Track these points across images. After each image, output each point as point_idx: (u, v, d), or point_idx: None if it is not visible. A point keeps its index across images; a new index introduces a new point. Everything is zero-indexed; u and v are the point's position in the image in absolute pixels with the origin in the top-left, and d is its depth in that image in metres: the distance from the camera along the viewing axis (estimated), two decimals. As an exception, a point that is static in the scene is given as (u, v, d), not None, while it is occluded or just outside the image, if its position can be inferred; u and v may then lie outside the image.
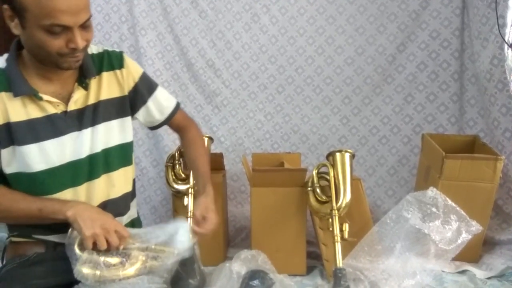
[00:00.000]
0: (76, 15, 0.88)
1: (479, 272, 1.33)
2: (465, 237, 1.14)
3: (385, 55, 1.82)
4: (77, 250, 0.94)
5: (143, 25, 1.92)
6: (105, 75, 1.06)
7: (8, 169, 0.97)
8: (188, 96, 1.96)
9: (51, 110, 0.98)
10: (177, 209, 1.46)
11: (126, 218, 1.13)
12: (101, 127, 1.04)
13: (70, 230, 0.96)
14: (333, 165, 1.29)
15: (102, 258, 0.95)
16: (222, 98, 1.93)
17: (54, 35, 0.88)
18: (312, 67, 1.88)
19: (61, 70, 0.97)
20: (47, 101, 0.97)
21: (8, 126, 0.95)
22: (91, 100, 1.03)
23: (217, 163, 1.61)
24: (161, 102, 1.16)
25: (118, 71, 1.07)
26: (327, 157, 1.33)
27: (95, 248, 0.93)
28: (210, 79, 1.93)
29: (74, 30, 0.89)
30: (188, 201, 1.32)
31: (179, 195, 1.39)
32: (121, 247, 0.96)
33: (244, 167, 1.57)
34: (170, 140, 1.91)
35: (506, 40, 1.52)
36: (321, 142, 1.88)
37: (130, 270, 0.97)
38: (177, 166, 1.40)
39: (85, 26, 0.92)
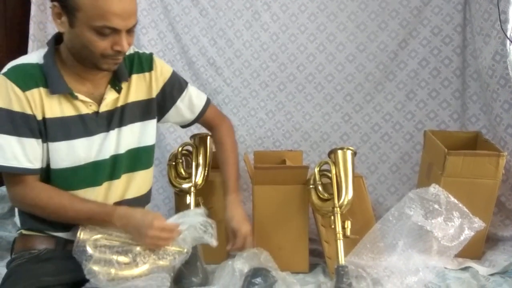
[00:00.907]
0: (127, 19, 0.92)
1: (482, 269, 1.33)
2: (467, 233, 1.14)
3: (386, 51, 1.82)
4: (89, 249, 0.95)
5: (144, 23, 1.92)
6: (135, 77, 1.09)
7: (57, 164, 1.00)
8: (189, 95, 1.96)
9: (84, 110, 1.01)
10: (179, 208, 1.46)
11: None
12: (127, 129, 1.07)
13: (78, 232, 0.97)
14: (335, 163, 1.28)
15: (115, 257, 0.96)
16: (223, 96, 1.92)
17: (102, 36, 0.91)
18: (313, 65, 1.88)
19: (97, 71, 1.00)
20: (81, 100, 1.00)
21: (44, 121, 0.97)
22: (120, 102, 1.06)
23: (219, 161, 1.61)
24: (191, 101, 1.18)
25: (147, 74, 1.11)
26: (329, 154, 1.33)
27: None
28: (211, 77, 1.93)
29: (121, 33, 0.93)
30: (191, 199, 1.32)
31: (181, 194, 1.39)
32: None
33: (246, 165, 1.57)
34: (172, 139, 1.91)
35: (508, 35, 1.51)
36: (323, 139, 1.88)
37: (143, 268, 0.98)
38: (179, 164, 1.40)
39: (131, 31, 0.96)
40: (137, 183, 1.11)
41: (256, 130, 1.92)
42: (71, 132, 1.00)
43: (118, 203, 1.07)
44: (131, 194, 1.10)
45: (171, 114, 1.18)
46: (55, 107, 0.98)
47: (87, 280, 0.98)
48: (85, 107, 1.02)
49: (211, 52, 1.92)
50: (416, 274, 1.14)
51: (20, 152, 0.94)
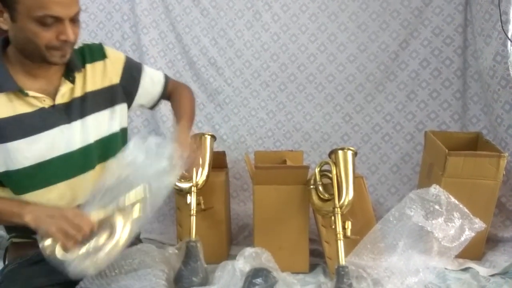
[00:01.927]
0: (68, 7, 0.90)
1: (482, 270, 1.33)
2: (468, 234, 1.14)
3: (387, 52, 1.82)
4: (60, 256, 0.90)
5: (145, 23, 1.92)
6: (89, 67, 1.06)
7: None
8: (190, 94, 1.96)
9: (39, 105, 0.98)
10: (180, 207, 1.46)
11: None
12: (91, 118, 1.04)
13: (41, 244, 0.92)
14: (336, 163, 1.28)
15: (87, 246, 0.91)
16: (224, 96, 1.93)
17: (45, 27, 0.89)
18: (314, 65, 1.88)
19: (47, 66, 0.98)
20: (33, 96, 0.97)
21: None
22: (77, 93, 1.03)
23: (219, 161, 1.61)
24: (152, 77, 1.19)
25: (101, 62, 1.08)
26: (330, 155, 1.33)
27: (69, 242, 0.90)
28: (212, 77, 1.93)
29: (65, 22, 0.90)
30: (191, 199, 1.32)
31: (181, 193, 1.39)
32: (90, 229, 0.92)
33: (247, 165, 1.57)
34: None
35: (510, 36, 1.51)
36: (323, 139, 1.88)
37: (123, 235, 0.92)
38: (180, 164, 1.40)
39: (75, 20, 0.93)
40: None
41: (257, 130, 1.92)
42: (28, 128, 0.96)
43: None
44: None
45: (140, 95, 1.16)
46: (5, 106, 0.95)
47: (80, 279, 0.98)
48: (39, 102, 0.98)
49: (212, 52, 1.92)
50: (416, 274, 1.14)
51: None
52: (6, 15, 0.89)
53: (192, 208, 1.31)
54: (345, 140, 1.86)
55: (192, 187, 1.34)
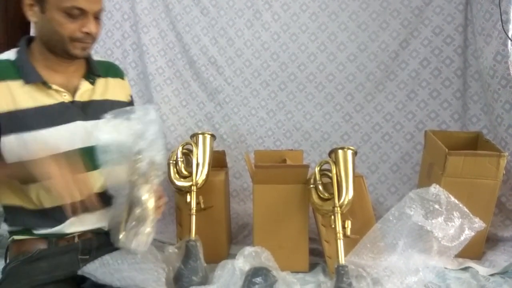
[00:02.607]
0: (93, 2, 0.99)
1: (482, 269, 1.33)
2: (468, 234, 1.14)
3: (388, 51, 1.82)
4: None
5: (145, 22, 1.92)
6: (111, 80, 1.16)
7: (11, 159, 0.99)
8: (190, 94, 1.96)
9: (59, 98, 1.03)
10: (179, 206, 1.46)
11: None
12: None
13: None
14: (336, 162, 1.28)
15: (126, 227, 0.98)
16: (225, 95, 1.93)
17: (70, 18, 0.97)
18: (315, 64, 1.88)
19: (68, 62, 1.05)
20: (55, 90, 1.02)
21: (15, 114, 0.98)
22: (97, 96, 1.10)
23: (219, 160, 1.61)
24: None
25: (121, 80, 1.20)
26: (330, 154, 1.33)
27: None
28: (212, 76, 1.93)
29: (89, 16, 0.99)
30: (191, 198, 1.32)
31: (181, 193, 1.39)
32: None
33: (247, 164, 1.57)
34: (173, 138, 1.92)
35: (510, 36, 1.51)
36: (323, 139, 1.88)
37: (150, 205, 1.00)
38: (180, 163, 1.40)
39: (98, 17, 1.03)
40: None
41: (257, 129, 1.92)
42: (48, 119, 1.01)
43: (100, 194, 1.06)
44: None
45: None
46: (29, 98, 1.00)
47: (82, 276, 0.99)
48: (59, 96, 1.03)
49: (212, 51, 1.92)
50: (416, 274, 1.14)
51: None
52: (36, 8, 0.98)
53: (192, 207, 1.31)
54: (345, 140, 1.86)
55: (192, 186, 1.34)
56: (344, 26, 1.85)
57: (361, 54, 1.84)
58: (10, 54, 1.03)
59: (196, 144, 1.42)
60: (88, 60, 1.12)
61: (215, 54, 1.92)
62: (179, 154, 1.41)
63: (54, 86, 1.02)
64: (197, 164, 1.38)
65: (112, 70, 1.17)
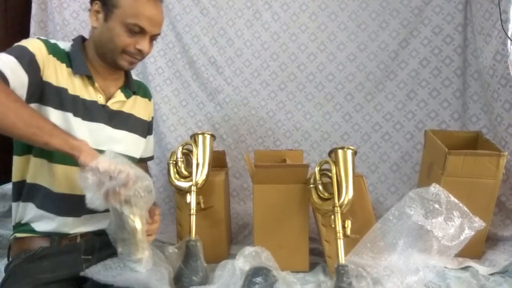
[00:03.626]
0: (155, 26, 1.07)
1: (482, 268, 1.33)
2: (468, 233, 1.14)
3: (387, 51, 1.82)
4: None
5: (145, 22, 1.92)
6: (140, 99, 1.23)
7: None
8: (190, 94, 1.96)
9: (94, 98, 1.08)
10: (179, 207, 1.46)
11: None
12: (127, 134, 1.15)
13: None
14: (335, 162, 1.28)
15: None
16: (224, 95, 1.93)
17: (130, 34, 1.04)
18: (314, 64, 1.88)
19: (112, 71, 1.12)
20: (96, 88, 1.09)
21: (56, 88, 1.02)
22: (126, 109, 1.17)
23: (219, 160, 1.62)
24: (149, 143, 1.31)
25: (147, 100, 1.27)
26: (329, 154, 1.33)
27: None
28: (212, 76, 1.93)
29: (146, 36, 1.06)
30: (191, 198, 1.32)
31: (181, 193, 1.39)
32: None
33: (247, 164, 1.57)
34: (173, 138, 1.92)
35: (509, 35, 1.51)
36: (323, 139, 1.88)
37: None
38: (180, 163, 1.40)
39: (153, 39, 1.10)
40: None
41: (257, 129, 1.92)
42: (79, 110, 1.04)
43: None
44: None
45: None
46: (69, 83, 1.04)
47: (84, 277, 0.98)
48: (96, 96, 1.09)
49: (211, 51, 1.92)
50: (416, 273, 1.14)
51: (10, 66, 0.93)
52: (101, 15, 1.05)
53: (192, 207, 1.31)
54: (345, 139, 1.86)
55: (192, 186, 1.34)
56: (344, 26, 1.85)
57: (361, 54, 1.84)
58: (65, 45, 1.09)
59: (196, 144, 1.42)
60: (127, 75, 1.19)
61: (215, 54, 1.92)
62: (179, 154, 1.41)
63: (97, 85, 1.09)
64: (197, 164, 1.38)
65: (142, 90, 1.25)
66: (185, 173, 1.39)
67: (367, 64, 1.84)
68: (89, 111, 1.06)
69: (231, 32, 1.91)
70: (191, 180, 1.35)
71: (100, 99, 1.10)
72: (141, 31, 1.04)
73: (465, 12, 1.73)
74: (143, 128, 1.23)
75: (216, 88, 1.93)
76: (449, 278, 1.26)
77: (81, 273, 0.98)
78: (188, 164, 1.41)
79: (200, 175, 1.37)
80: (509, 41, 1.51)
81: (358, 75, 1.85)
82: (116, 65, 1.08)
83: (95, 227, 1.09)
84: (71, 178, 1.02)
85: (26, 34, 1.87)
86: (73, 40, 1.12)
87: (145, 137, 1.24)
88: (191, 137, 1.46)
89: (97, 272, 0.97)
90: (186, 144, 1.44)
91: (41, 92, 1.00)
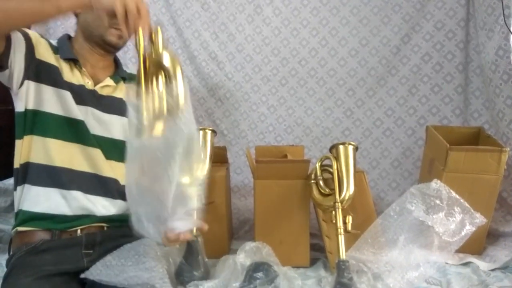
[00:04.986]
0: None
1: (482, 264, 1.33)
2: (469, 229, 1.14)
3: (389, 46, 1.81)
4: None
5: (146, 17, 1.91)
6: (131, 85, 1.21)
7: (30, 105, 1.06)
8: (191, 89, 1.95)
9: (82, 82, 1.11)
10: (181, 202, 1.46)
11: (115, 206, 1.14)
12: (116, 118, 1.15)
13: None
14: (337, 158, 1.28)
15: None
16: (225, 91, 1.92)
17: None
18: (316, 59, 1.87)
19: (102, 55, 1.14)
20: (84, 73, 1.11)
21: (52, 68, 1.06)
22: (116, 95, 1.17)
23: (220, 156, 1.61)
24: None
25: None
26: (331, 149, 1.33)
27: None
28: (212, 71, 1.93)
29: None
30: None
31: (182, 188, 1.39)
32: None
33: (248, 160, 1.57)
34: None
35: (512, 30, 1.50)
36: (324, 134, 1.88)
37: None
38: (181, 159, 1.40)
39: None
40: (115, 169, 1.13)
41: (258, 125, 1.91)
42: (66, 86, 1.07)
43: (95, 176, 1.10)
44: (109, 174, 1.13)
45: None
46: (64, 70, 1.08)
47: (86, 270, 0.99)
48: (83, 81, 1.11)
49: (212, 47, 1.91)
50: (417, 269, 1.14)
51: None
52: None
53: (193, 203, 1.31)
54: (346, 135, 1.86)
55: (193, 182, 1.34)
56: (346, 21, 1.84)
57: (363, 49, 1.83)
58: (53, 41, 1.13)
59: (197, 139, 1.42)
60: (117, 64, 1.21)
61: (215, 49, 1.92)
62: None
63: (84, 70, 1.11)
64: (198, 160, 1.38)
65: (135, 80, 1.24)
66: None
67: (369, 60, 1.83)
68: (77, 95, 1.09)
69: (232, 27, 1.90)
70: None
71: (88, 84, 1.12)
72: None
73: (468, 7, 1.72)
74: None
75: (217, 83, 1.92)
76: (450, 273, 1.26)
77: (82, 275, 0.98)
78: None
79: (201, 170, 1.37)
80: (511, 36, 1.50)
81: (359, 71, 1.84)
82: (105, 42, 1.10)
83: (102, 211, 1.10)
84: (63, 152, 1.07)
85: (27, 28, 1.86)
86: (60, 37, 1.16)
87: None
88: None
89: (98, 272, 0.97)
90: (187, 139, 1.43)
91: (36, 68, 1.04)
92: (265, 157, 1.56)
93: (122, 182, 1.14)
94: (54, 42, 1.13)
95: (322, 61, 1.86)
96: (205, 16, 1.91)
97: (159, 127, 0.87)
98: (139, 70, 0.90)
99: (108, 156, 1.12)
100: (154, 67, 0.90)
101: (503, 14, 1.49)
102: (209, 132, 1.44)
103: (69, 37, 1.17)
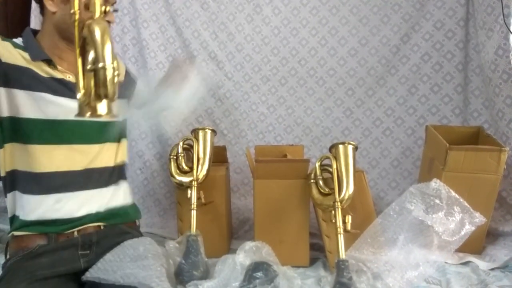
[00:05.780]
0: None
1: (482, 264, 1.33)
2: (468, 228, 1.14)
3: (389, 46, 1.81)
4: None
5: (145, 17, 1.91)
6: None
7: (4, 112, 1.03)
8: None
9: (62, 76, 1.08)
10: (180, 202, 1.47)
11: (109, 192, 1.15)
12: None
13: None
14: (336, 157, 1.28)
15: None
16: (225, 90, 1.92)
17: None
18: (315, 59, 1.87)
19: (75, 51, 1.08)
20: (61, 71, 1.08)
21: (21, 70, 1.02)
22: None
23: (220, 155, 1.62)
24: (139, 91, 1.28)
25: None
26: (330, 149, 1.33)
27: None
28: (212, 71, 1.92)
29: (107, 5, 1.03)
30: (192, 193, 1.32)
31: (182, 188, 1.39)
32: None
33: (247, 159, 1.57)
34: (173, 133, 1.92)
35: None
36: (324, 134, 1.88)
37: None
38: (181, 158, 1.40)
39: (113, 9, 1.11)
40: (105, 153, 1.15)
41: (257, 125, 1.91)
42: (38, 86, 1.04)
43: (82, 172, 1.10)
44: (100, 164, 1.13)
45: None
46: (33, 67, 1.04)
47: (83, 271, 1.00)
48: (63, 76, 1.08)
49: (212, 46, 1.91)
50: (416, 268, 1.15)
51: None
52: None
53: (192, 202, 1.31)
54: (345, 135, 1.86)
55: (193, 182, 1.34)
56: (345, 21, 1.84)
57: (362, 49, 1.83)
58: (15, 40, 1.08)
59: (197, 139, 1.42)
60: None
61: (215, 49, 1.91)
62: (180, 150, 1.41)
63: (60, 68, 1.07)
64: (198, 159, 1.38)
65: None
66: (186, 168, 1.39)
67: (368, 59, 1.83)
68: (57, 87, 1.06)
69: (231, 27, 1.90)
70: (192, 175, 1.35)
71: (70, 78, 1.08)
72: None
73: (467, 7, 1.72)
74: (120, 90, 1.19)
75: (217, 83, 1.92)
76: (450, 273, 1.26)
77: (83, 278, 0.98)
78: (189, 159, 1.41)
79: (200, 170, 1.37)
80: (511, 36, 1.50)
81: (359, 70, 1.84)
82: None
83: (97, 207, 1.10)
84: (49, 156, 1.05)
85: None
86: (22, 33, 1.11)
87: (125, 97, 1.21)
88: (191, 132, 1.46)
89: (96, 270, 0.97)
90: (187, 139, 1.44)
91: (4, 74, 1.01)
92: (265, 157, 1.56)
93: (112, 164, 1.16)
94: (18, 41, 1.08)
95: (321, 61, 1.86)
96: (205, 16, 1.91)
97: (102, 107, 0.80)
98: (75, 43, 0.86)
99: (93, 139, 1.11)
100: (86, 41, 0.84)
101: (503, 13, 1.49)
102: (209, 132, 1.44)
103: (33, 32, 1.12)
